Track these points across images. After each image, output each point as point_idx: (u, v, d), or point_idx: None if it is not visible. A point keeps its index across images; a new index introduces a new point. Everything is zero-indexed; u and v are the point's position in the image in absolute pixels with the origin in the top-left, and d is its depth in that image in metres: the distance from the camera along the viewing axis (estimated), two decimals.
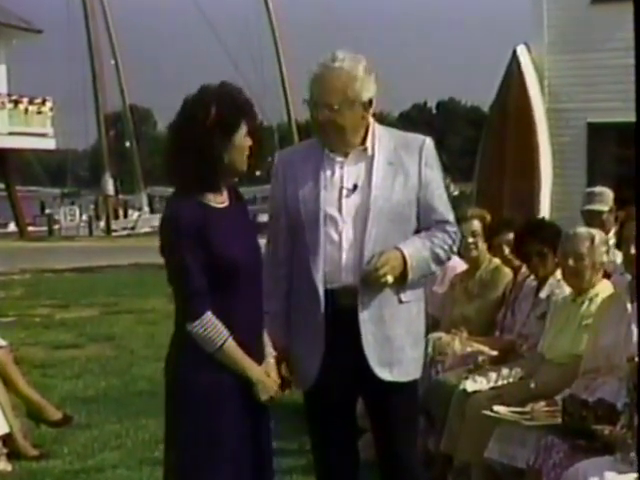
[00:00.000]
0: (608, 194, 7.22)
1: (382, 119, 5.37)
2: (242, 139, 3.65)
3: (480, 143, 15.73)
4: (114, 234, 42.66)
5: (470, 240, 6.35)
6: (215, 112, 3.59)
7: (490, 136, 15.28)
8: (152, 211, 47.94)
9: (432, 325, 5.93)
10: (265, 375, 3.70)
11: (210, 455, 3.61)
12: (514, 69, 14.81)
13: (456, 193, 30.41)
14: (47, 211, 47.75)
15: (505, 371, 5.59)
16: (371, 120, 4.05)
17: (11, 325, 12.30)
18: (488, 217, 6.57)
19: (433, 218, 4.05)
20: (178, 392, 3.67)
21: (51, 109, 39.96)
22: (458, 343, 5.96)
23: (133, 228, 44.05)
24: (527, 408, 4.86)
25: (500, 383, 5.51)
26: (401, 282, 3.95)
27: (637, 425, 4.03)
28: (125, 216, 48.67)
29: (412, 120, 75.05)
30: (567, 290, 5.47)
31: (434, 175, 4.07)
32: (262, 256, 3.85)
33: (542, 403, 4.85)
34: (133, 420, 7.36)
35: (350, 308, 3.93)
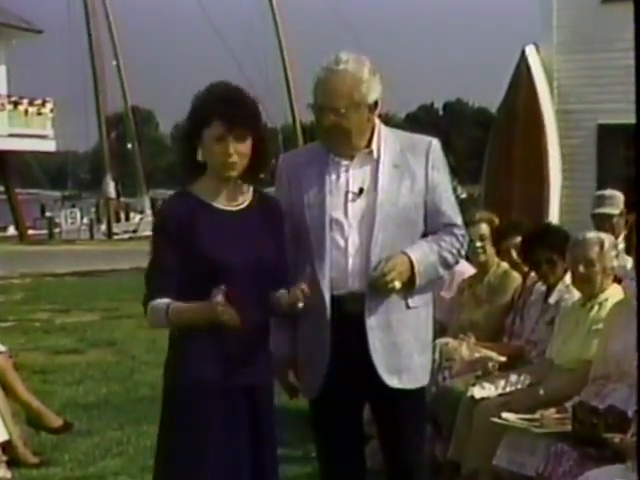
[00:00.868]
0: (618, 197, 7.19)
1: (388, 120, 5.32)
2: (211, 140, 3.60)
3: (488, 145, 15.68)
4: (115, 237, 42.61)
5: (478, 244, 6.31)
6: (194, 103, 3.64)
7: (498, 138, 15.23)
8: (154, 214, 47.89)
9: (439, 330, 5.88)
10: (213, 306, 3.46)
11: (200, 460, 3.59)
12: (523, 69, 14.75)
13: (463, 196, 30.32)
14: (47, 214, 47.68)
15: (513, 377, 5.55)
16: (377, 122, 4.01)
17: (11, 330, 12.28)
18: (496, 220, 6.54)
19: (441, 221, 4.00)
20: (170, 395, 3.67)
21: (51, 110, 39.82)
22: (465, 349, 5.92)
23: (135, 231, 43.96)
24: (536, 415, 4.83)
25: (508, 390, 5.47)
26: (409, 287, 3.91)
27: (637, 428, 4.02)
28: (127, 219, 48.61)
29: (418, 121, 74.97)
30: (576, 295, 5.45)
31: (441, 177, 4.03)
32: (269, 264, 3.72)
33: (552, 410, 4.83)
34: (135, 427, 7.31)
35: (357, 314, 3.89)
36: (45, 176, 56.48)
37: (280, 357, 3.94)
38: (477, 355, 5.92)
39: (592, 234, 5.39)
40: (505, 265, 6.41)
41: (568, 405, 4.75)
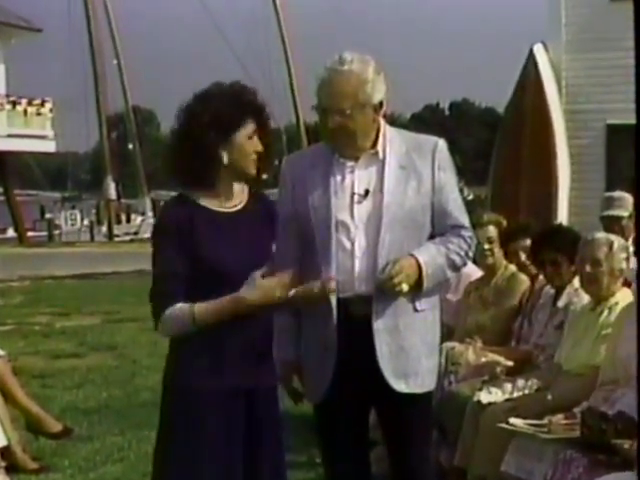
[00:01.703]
0: (628, 199, 7.13)
1: (393, 120, 5.26)
2: (244, 140, 3.61)
3: (495, 145, 15.67)
4: (116, 239, 42.65)
5: (486, 247, 6.28)
6: (214, 108, 3.55)
7: (505, 138, 15.18)
8: (155, 216, 47.83)
9: (446, 334, 5.82)
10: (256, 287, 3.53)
11: (198, 466, 3.57)
12: (530, 69, 14.69)
13: (470, 197, 30.34)
14: (47, 216, 47.60)
15: (521, 382, 5.50)
16: (382, 122, 3.98)
17: (10, 334, 12.26)
18: (504, 223, 6.51)
19: (448, 223, 3.98)
20: (169, 399, 3.65)
21: (51, 110, 39.66)
22: (472, 353, 5.90)
23: (136, 233, 43.96)
24: (544, 421, 4.78)
25: (516, 395, 5.42)
26: (416, 290, 3.88)
27: (637, 430, 3.96)
28: (128, 221, 48.64)
29: (424, 121, 75.13)
30: (585, 299, 5.41)
31: (448, 178, 4.00)
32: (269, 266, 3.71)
33: (560, 416, 4.78)
34: (136, 432, 7.25)
35: (363, 318, 3.86)
36: (45, 177, 56.33)
37: (284, 362, 3.92)
38: (484, 359, 5.89)
39: (601, 234, 5.37)
40: (513, 268, 6.38)
41: (576, 411, 4.72)
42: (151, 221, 43.80)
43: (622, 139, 14.26)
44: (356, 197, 3.89)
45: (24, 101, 38.05)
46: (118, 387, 9.08)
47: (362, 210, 3.88)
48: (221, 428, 3.57)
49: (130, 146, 53.22)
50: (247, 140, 3.61)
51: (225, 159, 3.58)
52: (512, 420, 4.89)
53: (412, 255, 3.85)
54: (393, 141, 3.97)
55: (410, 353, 3.92)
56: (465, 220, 4.03)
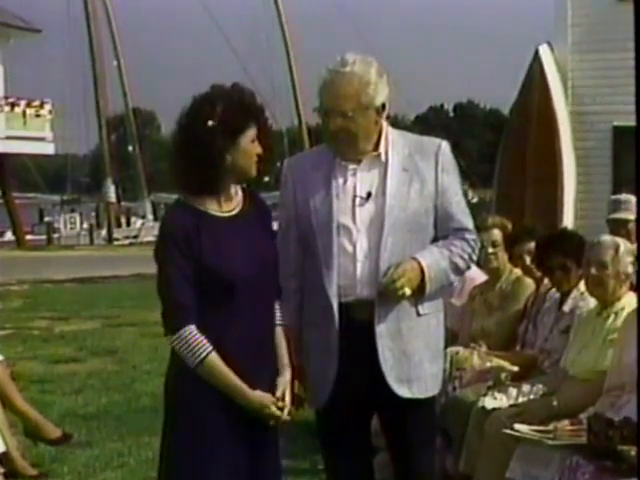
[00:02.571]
0: (635, 202, 7.06)
1: (397, 122, 5.22)
2: (249, 143, 3.60)
3: (500, 147, 15.65)
4: (116, 243, 42.66)
5: (490, 250, 6.25)
6: (221, 111, 3.53)
7: (510, 140, 15.15)
8: (156, 219, 47.41)
9: (450, 338, 5.78)
10: (257, 398, 3.58)
11: (202, 473, 3.56)
12: (536, 70, 14.64)
13: (475, 200, 30.42)
14: (46, 219, 47.63)
15: (526, 387, 5.46)
16: (384, 124, 3.96)
17: (8, 338, 12.16)
18: (509, 226, 6.47)
19: (451, 226, 3.96)
20: (171, 405, 3.64)
21: (50, 112, 39.62)
22: (477, 358, 5.86)
23: (136, 237, 44.02)
24: (550, 427, 4.73)
25: (521, 400, 5.38)
26: (419, 294, 3.86)
27: (637, 433, 3.96)
28: (128, 224, 48.63)
29: (428, 123, 75.21)
30: (591, 303, 5.37)
31: (451, 181, 3.98)
32: (271, 268, 3.72)
33: (566, 422, 4.73)
34: (136, 438, 7.24)
35: (365, 322, 3.85)
36: (43, 180, 56.31)
37: None
38: (488, 365, 5.86)
39: (608, 237, 5.33)
40: (518, 271, 6.35)
41: (582, 417, 4.69)
42: (151, 224, 43.88)
43: (629, 141, 14.19)
44: (358, 200, 3.87)
45: (23, 102, 37.96)
46: (118, 392, 9.05)
47: (364, 213, 3.86)
48: (224, 431, 3.56)
49: (130, 148, 53.15)
50: (250, 143, 3.61)
51: (228, 161, 3.57)
52: (517, 426, 4.84)
53: (415, 258, 3.83)
54: (396, 143, 3.95)
55: (413, 358, 3.90)
56: (469, 223, 4.01)
